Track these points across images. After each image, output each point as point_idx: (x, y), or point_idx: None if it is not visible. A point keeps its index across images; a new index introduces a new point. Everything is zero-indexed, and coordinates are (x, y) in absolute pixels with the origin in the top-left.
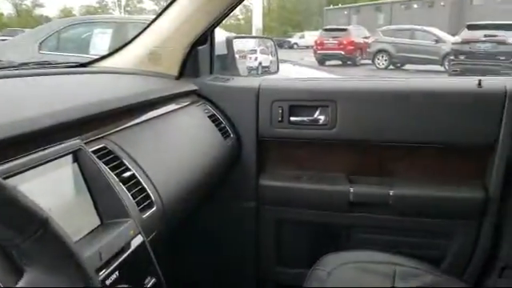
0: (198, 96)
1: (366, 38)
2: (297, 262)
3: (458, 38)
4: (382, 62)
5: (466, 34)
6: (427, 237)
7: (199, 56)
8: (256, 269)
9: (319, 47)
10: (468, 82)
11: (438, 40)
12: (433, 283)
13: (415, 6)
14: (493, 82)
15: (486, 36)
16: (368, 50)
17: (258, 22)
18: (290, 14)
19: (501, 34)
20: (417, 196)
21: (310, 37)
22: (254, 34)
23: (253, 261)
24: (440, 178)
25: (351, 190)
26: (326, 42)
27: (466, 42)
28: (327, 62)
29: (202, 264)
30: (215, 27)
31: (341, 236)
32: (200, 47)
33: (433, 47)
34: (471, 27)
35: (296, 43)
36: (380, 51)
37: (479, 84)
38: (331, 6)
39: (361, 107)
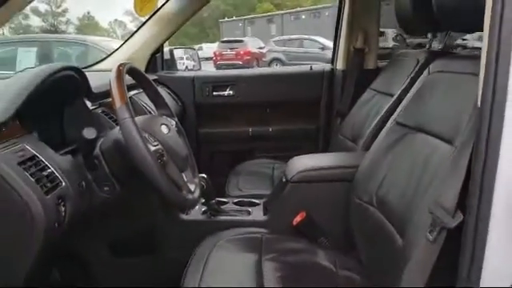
0: (157, 82)
1: (260, 48)
2: (223, 172)
3: None
4: None
5: None
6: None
7: (157, 60)
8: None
9: (218, 58)
10: (306, 68)
11: (324, 47)
12: None
13: (303, 16)
14: (318, 67)
15: None
16: (263, 59)
17: None
18: (186, 27)
19: None
20: (284, 129)
21: (208, 49)
22: None
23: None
24: (297, 118)
25: (250, 129)
26: (224, 53)
27: None
28: None
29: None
30: (164, 42)
31: (246, 156)
32: (156, 55)
33: (319, 54)
34: None
35: None
36: (274, 60)
37: (311, 68)
38: (226, 19)
39: (249, 83)
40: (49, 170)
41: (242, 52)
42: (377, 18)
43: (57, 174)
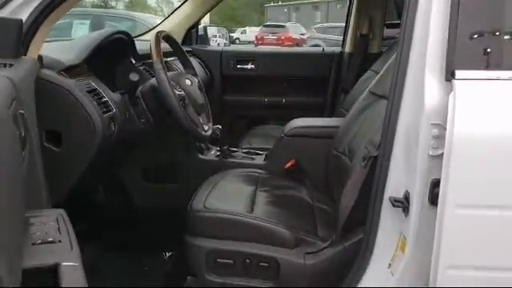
0: (191, 54)
1: (302, 34)
2: (240, 132)
3: None
4: None
5: (386, 31)
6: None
7: (192, 34)
8: None
9: (259, 42)
10: (318, 49)
11: None
12: None
13: None
14: (329, 49)
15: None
16: (304, 45)
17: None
18: (232, 10)
19: None
20: (295, 101)
21: (252, 32)
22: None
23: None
24: (307, 92)
25: (265, 99)
26: (265, 37)
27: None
28: None
29: None
30: (201, 19)
31: (260, 121)
32: (192, 30)
33: None
34: (388, 26)
35: (238, 38)
36: (314, 46)
37: (323, 50)
38: (272, 3)
39: (268, 59)
40: (105, 99)
41: (283, 37)
42: (383, 8)
43: (110, 103)
